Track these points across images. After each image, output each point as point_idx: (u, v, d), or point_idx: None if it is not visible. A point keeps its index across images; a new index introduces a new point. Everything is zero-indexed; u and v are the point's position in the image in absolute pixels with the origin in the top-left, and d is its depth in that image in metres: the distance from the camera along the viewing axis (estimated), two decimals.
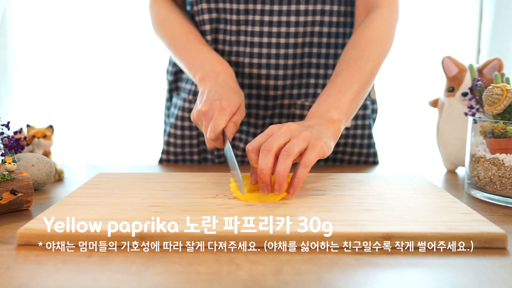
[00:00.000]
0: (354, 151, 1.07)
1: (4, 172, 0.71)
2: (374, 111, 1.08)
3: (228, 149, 0.79)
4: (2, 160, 0.75)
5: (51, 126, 0.92)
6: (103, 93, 1.79)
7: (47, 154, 0.90)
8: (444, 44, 1.74)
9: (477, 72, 0.94)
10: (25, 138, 0.86)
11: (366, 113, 1.04)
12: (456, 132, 0.97)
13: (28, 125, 0.90)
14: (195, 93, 1.02)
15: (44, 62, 1.73)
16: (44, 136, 0.90)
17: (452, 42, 1.74)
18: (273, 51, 0.97)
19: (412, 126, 1.83)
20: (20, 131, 0.85)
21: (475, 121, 0.81)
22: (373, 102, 1.08)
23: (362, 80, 0.85)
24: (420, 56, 1.75)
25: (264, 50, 0.97)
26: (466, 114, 0.90)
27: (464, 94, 0.95)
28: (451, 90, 0.97)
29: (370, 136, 1.06)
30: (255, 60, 0.98)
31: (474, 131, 0.82)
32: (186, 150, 1.07)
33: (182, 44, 0.96)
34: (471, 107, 0.87)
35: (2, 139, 0.78)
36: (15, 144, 0.82)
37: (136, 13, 1.74)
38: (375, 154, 1.09)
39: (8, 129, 0.80)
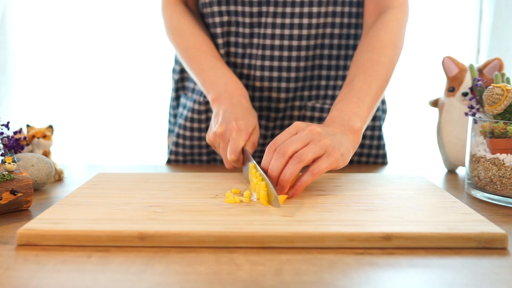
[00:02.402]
0: (363, 152, 1.06)
1: (4, 172, 0.71)
2: (384, 111, 1.08)
3: (247, 171, 0.78)
4: (2, 160, 0.75)
5: (51, 126, 0.92)
6: (103, 93, 1.79)
7: (47, 154, 0.90)
8: (444, 44, 1.74)
9: (477, 72, 0.94)
10: (24, 138, 0.85)
11: (377, 114, 1.04)
12: (457, 132, 0.97)
13: (28, 125, 0.90)
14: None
15: (44, 62, 1.73)
16: (44, 136, 0.89)
17: (452, 42, 1.74)
18: (285, 53, 0.97)
19: (412, 126, 1.83)
20: (20, 131, 0.85)
21: (475, 121, 0.81)
22: (383, 102, 1.08)
23: (379, 86, 0.85)
24: (420, 56, 1.75)
25: (276, 53, 0.97)
26: (466, 114, 0.90)
27: (465, 94, 0.95)
28: (451, 90, 0.97)
29: (379, 137, 1.06)
30: (267, 63, 0.98)
31: (474, 131, 0.82)
32: (195, 151, 1.06)
33: (196, 57, 0.95)
34: (471, 107, 0.87)
35: (2, 139, 0.78)
36: (15, 144, 0.82)
37: (138, 12, 1.74)
38: (384, 155, 1.08)
39: (8, 129, 0.80)
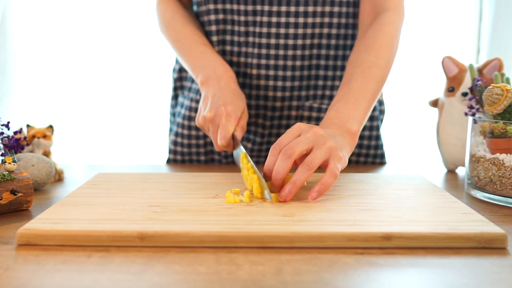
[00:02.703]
0: (361, 152, 1.07)
1: (4, 172, 0.71)
2: (382, 112, 1.08)
3: (237, 155, 0.81)
4: (2, 160, 0.75)
5: (51, 126, 0.92)
6: (103, 93, 1.79)
7: (47, 154, 0.90)
8: (444, 44, 1.74)
9: (477, 72, 0.94)
10: (25, 138, 0.85)
11: (374, 114, 1.04)
12: (456, 132, 0.97)
13: (28, 125, 0.90)
14: None
15: (44, 62, 1.73)
16: (44, 136, 0.90)
17: (452, 42, 1.74)
18: (281, 52, 0.97)
19: (412, 126, 1.83)
20: (20, 131, 0.85)
21: (475, 121, 0.81)
22: (381, 103, 1.08)
23: (375, 88, 0.86)
24: (420, 56, 1.75)
25: (272, 51, 0.97)
26: (466, 114, 0.91)
27: (464, 94, 0.95)
28: (451, 90, 0.97)
29: (377, 138, 1.06)
30: (263, 61, 0.98)
31: (474, 131, 0.82)
32: (193, 150, 1.07)
33: (186, 45, 0.96)
34: (471, 107, 0.87)
35: (2, 139, 0.78)
36: (15, 144, 0.82)
37: (137, 12, 1.74)
38: (382, 156, 1.08)
39: (8, 129, 0.80)
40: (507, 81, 0.85)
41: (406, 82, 1.77)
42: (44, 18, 1.70)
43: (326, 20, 0.96)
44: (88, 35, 1.73)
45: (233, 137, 0.83)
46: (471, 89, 0.88)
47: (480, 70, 0.95)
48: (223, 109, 0.82)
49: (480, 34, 1.66)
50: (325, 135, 0.74)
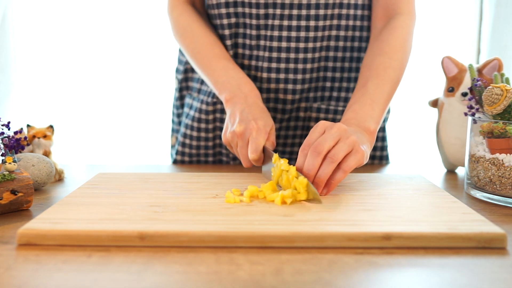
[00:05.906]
0: None
1: (4, 172, 0.71)
2: (387, 111, 1.08)
3: (266, 169, 0.81)
4: (2, 160, 0.75)
5: (51, 126, 0.92)
6: (103, 93, 1.80)
7: (47, 154, 0.90)
8: (444, 44, 1.74)
9: (476, 72, 0.95)
10: (25, 138, 0.86)
11: None
12: (456, 132, 0.97)
13: (28, 125, 0.90)
14: (215, 96, 1.02)
15: (44, 62, 1.74)
16: (45, 136, 0.90)
17: (452, 42, 1.74)
18: (292, 55, 0.97)
19: (412, 126, 1.83)
20: (21, 131, 0.85)
21: (474, 121, 0.81)
22: None
23: (390, 89, 0.88)
24: (420, 56, 1.75)
25: (283, 55, 0.97)
26: (465, 114, 0.91)
27: (464, 94, 0.95)
28: (450, 90, 0.97)
29: (383, 139, 1.07)
30: (274, 65, 0.98)
31: (473, 131, 0.82)
32: (202, 151, 1.07)
33: (206, 58, 0.96)
34: (470, 107, 0.87)
35: (2, 139, 0.78)
36: (16, 144, 0.82)
37: (139, 11, 1.74)
38: (386, 157, 1.09)
39: (9, 129, 0.80)
40: (507, 81, 0.85)
41: (407, 82, 1.77)
42: (45, 18, 1.70)
43: (335, 22, 0.97)
44: (88, 35, 1.74)
45: (263, 151, 0.82)
46: (470, 89, 0.88)
47: (479, 70, 0.95)
48: (254, 124, 0.82)
49: (481, 34, 1.66)
50: (348, 130, 0.76)
